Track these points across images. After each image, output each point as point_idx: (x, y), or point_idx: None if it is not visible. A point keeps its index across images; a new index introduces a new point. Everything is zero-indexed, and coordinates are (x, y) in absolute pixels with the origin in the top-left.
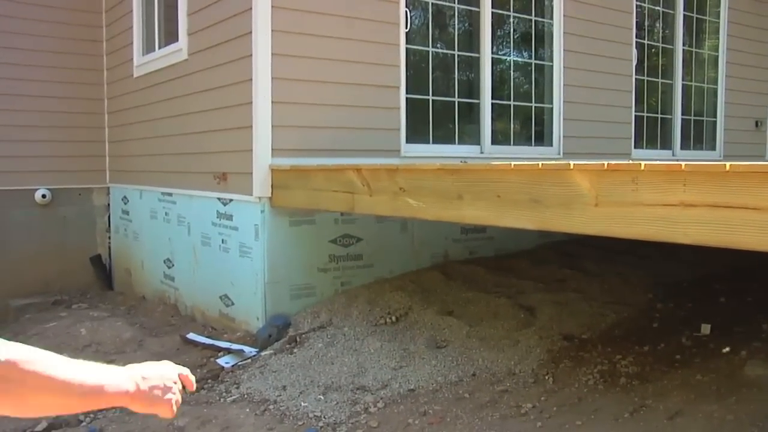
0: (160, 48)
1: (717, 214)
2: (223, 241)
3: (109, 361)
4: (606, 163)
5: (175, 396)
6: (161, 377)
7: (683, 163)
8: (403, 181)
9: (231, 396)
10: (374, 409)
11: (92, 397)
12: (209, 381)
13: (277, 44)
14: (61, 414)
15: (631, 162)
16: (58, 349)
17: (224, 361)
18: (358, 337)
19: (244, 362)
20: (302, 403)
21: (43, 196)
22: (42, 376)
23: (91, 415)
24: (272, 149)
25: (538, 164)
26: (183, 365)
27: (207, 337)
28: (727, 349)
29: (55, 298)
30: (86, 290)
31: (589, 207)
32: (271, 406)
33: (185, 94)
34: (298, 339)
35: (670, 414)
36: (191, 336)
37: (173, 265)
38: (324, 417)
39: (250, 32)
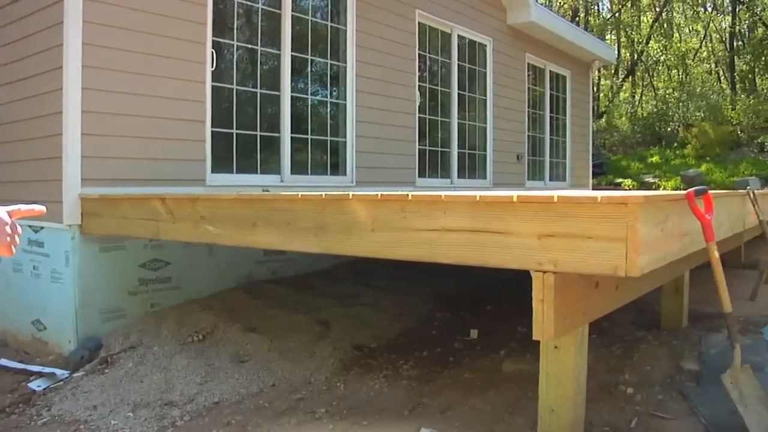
0: None
1: (472, 238)
2: (34, 267)
3: None
4: (379, 194)
5: (9, 235)
6: None
7: (443, 194)
8: (203, 209)
9: (42, 419)
10: (181, 423)
11: None
12: (20, 405)
13: (87, 79)
14: None
15: (401, 193)
16: None
17: (36, 384)
18: (167, 356)
19: (56, 385)
20: (112, 421)
21: None
22: None
23: None
24: (82, 179)
25: (321, 194)
26: None
27: (19, 361)
28: (499, 351)
29: None
30: None
31: (367, 232)
32: (81, 426)
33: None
34: (109, 359)
35: (443, 408)
36: (2, 362)
37: None
38: None
39: (61, 67)
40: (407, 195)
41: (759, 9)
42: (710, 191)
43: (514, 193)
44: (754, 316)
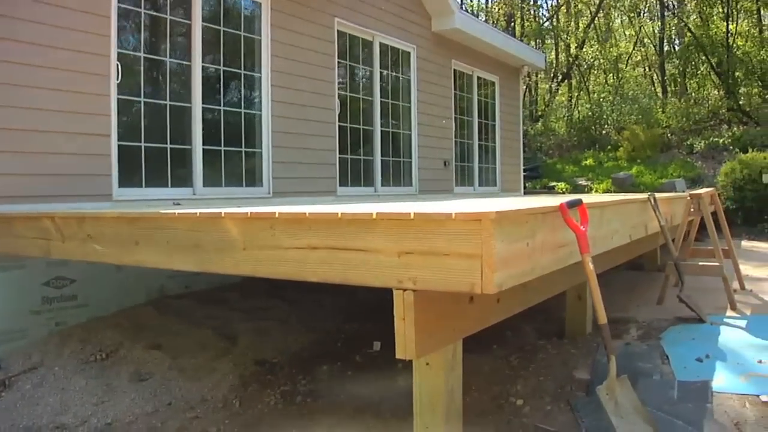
0: None
1: (336, 255)
2: None
3: None
4: (249, 212)
5: None
6: None
7: (307, 212)
8: (90, 228)
9: None
10: None
11: None
12: None
13: None
14: None
15: (269, 211)
16: None
17: None
18: (66, 376)
19: None
20: None
21: None
22: None
23: None
24: None
25: (196, 213)
26: None
27: None
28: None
29: None
30: None
31: (239, 250)
32: None
33: None
34: (7, 382)
35: (330, 426)
36: None
37: None
38: None
39: None
40: (275, 213)
41: (685, 16)
42: (606, 199)
43: (374, 210)
44: (657, 321)
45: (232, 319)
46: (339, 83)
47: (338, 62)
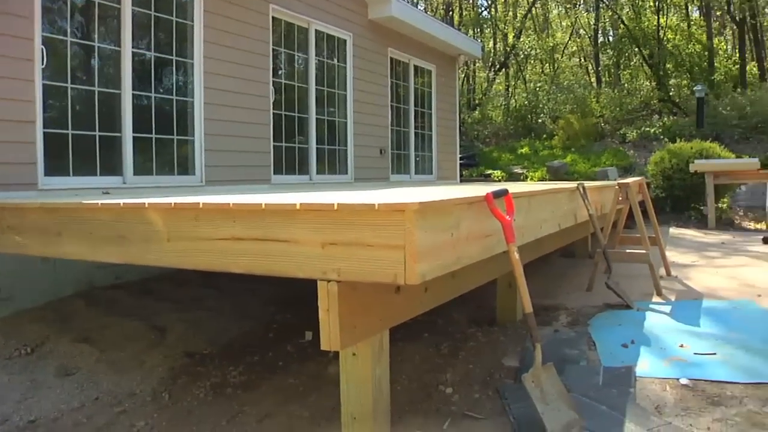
0: None
1: (260, 247)
2: None
3: None
4: (173, 202)
5: None
6: None
7: (231, 202)
8: (10, 219)
9: None
10: None
11: None
12: None
13: None
14: None
15: (193, 201)
16: None
17: None
18: None
19: None
20: None
21: None
22: None
23: None
24: None
25: (119, 203)
26: None
27: None
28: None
29: None
30: None
31: (163, 242)
32: None
33: None
34: None
35: (260, 417)
36: None
37: None
38: None
39: None
40: (199, 203)
41: (619, 8)
42: (535, 188)
43: (298, 201)
44: (586, 307)
45: (162, 310)
46: (274, 71)
47: (273, 49)
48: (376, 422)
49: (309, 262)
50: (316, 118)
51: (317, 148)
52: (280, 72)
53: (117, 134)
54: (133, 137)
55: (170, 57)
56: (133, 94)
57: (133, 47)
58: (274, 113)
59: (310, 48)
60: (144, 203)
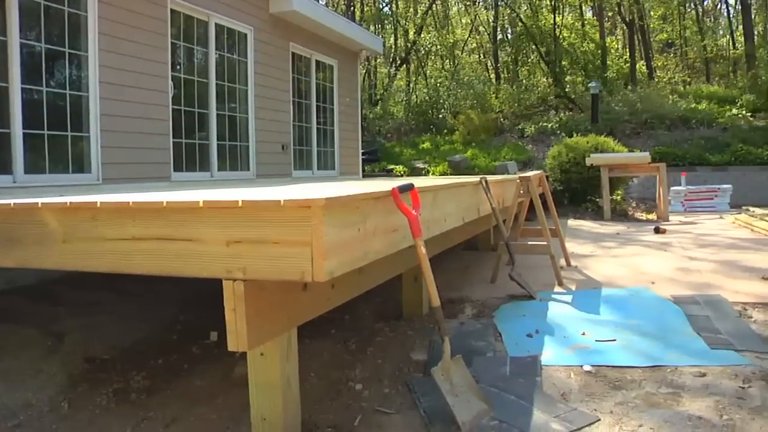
0: None
1: (162, 246)
2: None
3: None
4: (69, 201)
5: None
6: None
7: (131, 200)
8: None
9: None
10: None
11: None
12: None
13: None
14: None
15: (90, 200)
16: None
17: None
18: None
19: None
20: None
21: None
22: None
23: None
24: None
25: (10, 203)
26: None
27: None
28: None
29: None
30: None
31: (59, 243)
32: None
33: None
34: None
35: (166, 422)
36: None
37: None
38: None
39: None
40: (96, 203)
41: (517, 6)
42: (440, 182)
43: (201, 198)
44: (491, 299)
45: (60, 315)
46: (174, 65)
47: (172, 43)
48: (286, 422)
49: (213, 261)
50: (217, 114)
51: (218, 145)
52: (179, 66)
53: (5, 130)
54: (24, 133)
55: (63, 49)
56: (22, 87)
57: (21, 38)
58: (173, 109)
59: (210, 42)
60: (37, 203)
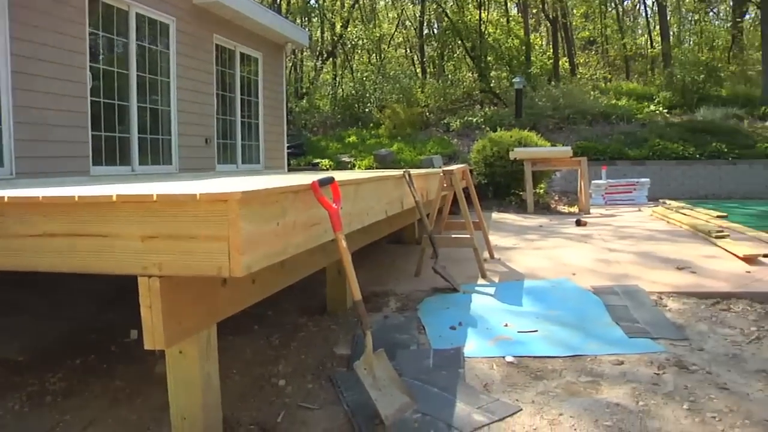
0: None
1: (75, 243)
2: None
3: None
4: None
5: None
6: None
7: (41, 195)
8: None
9: None
10: None
11: None
12: None
13: None
14: None
15: None
16: None
17: None
18: None
19: None
20: None
21: None
22: None
23: None
24: None
25: None
26: None
27: None
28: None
29: None
30: None
31: None
32: None
33: None
34: None
35: (84, 424)
36: None
37: None
38: None
39: None
40: (3, 197)
41: (443, 1)
42: (362, 176)
43: (114, 192)
44: (415, 292)
45: None
46: (93, 55)
47: (91, 32)
48: (206, 420)
49: (128, 258)
50: (138, 106)
51: (140, 138)
52: (99, 57)
53: None
54: None
55: None
56: None
57: None
58: (92, 101)
59: (130, 32)
60: None
